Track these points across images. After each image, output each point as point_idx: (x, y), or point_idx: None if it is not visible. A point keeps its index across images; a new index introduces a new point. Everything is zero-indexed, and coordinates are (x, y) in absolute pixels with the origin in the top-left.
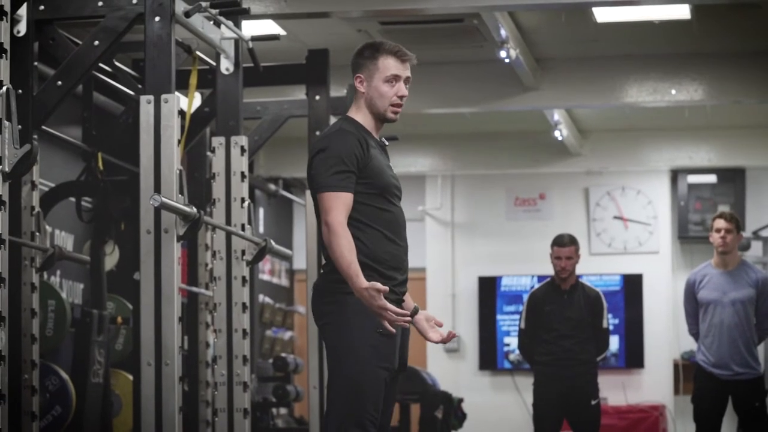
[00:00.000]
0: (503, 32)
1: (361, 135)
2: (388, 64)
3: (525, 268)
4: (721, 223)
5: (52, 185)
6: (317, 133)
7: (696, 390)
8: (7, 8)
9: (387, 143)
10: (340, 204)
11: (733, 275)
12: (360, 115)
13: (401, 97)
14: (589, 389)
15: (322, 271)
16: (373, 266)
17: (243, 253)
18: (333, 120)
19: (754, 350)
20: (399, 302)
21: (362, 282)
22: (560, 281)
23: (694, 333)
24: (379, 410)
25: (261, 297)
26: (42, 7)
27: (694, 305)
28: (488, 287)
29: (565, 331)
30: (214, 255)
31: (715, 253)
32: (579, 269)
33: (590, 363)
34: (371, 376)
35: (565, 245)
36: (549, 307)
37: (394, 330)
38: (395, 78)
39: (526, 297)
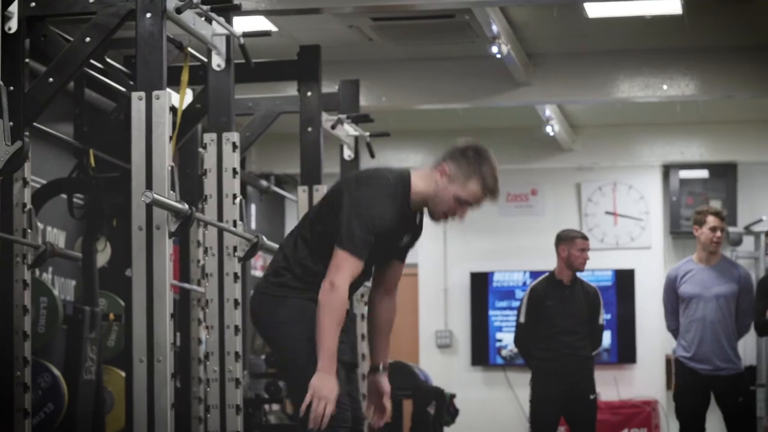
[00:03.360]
0: (495, 28)
1: (399, 208)
2: (474, 192)
3: (517, 263)
4: (716, 222)
5: (44, 182)
6: (309, 129)
7: (678, 387)
8: None
9: (421, 229)
10: (352, 270)
11: (716, 270)
12: (419, 186)
13: (452, 217)
14: (588, 384)
15: (268, 275)
16: (305, 286)
17: (235, 249)
18: (325, 116)
19: (735, 345)
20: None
21: (331, 368)
22: (563, 276)
23: (674, 329)
24: (345, 406)
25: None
26: (33, 4)
27: (674, 301)
28: (480, 283)
29: (567, 327)
30: (206, 251)
31: (700, 249)
32: None
33: (589, 358)
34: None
35: (587, 238)
36: (550, 302)
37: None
38: (467, 204)
39: (525, 291)
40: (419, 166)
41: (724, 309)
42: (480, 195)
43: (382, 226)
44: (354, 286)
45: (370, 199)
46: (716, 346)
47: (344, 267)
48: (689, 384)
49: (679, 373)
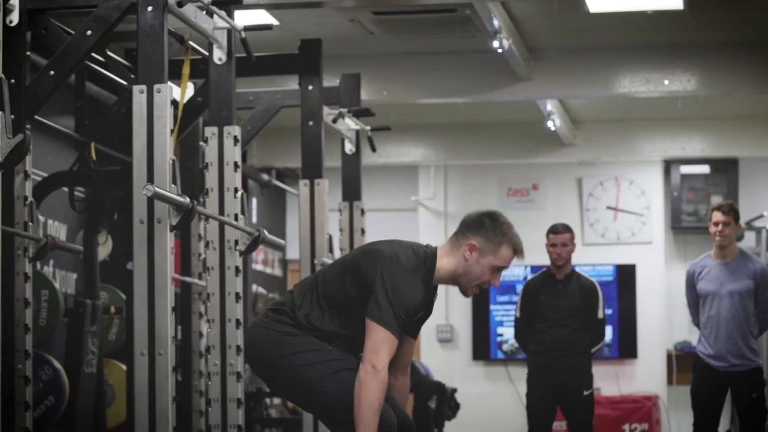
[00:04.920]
0: (496, 22)
1: (423, 290)
2: (507, 257)
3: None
4: (718, 216)
5: (45, 175)
6: (310, 123)
7: (694, 381)
8: None
9: (436, 295)
10: (390, 350)
11: (731, 267)
12: (446, 264)
13: (486, 286)
14: (581, 380)
15: (273, 322)
16: (303, 333)
17: (236, 242)
18: (326, 110)
19: (751, 342)
20: None
21: None
22: (555, 270)
23: (697, 323)
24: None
25: (254, 287)
26: None
27: (694, 295)
28: None
29: (559, 321)
30: (207, 245)
31: (714, 245)
32: (572, 260)
33: (583, 353)
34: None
35: (559, 232)
36: (543, 296)
37: None
38: (500, 270)
39: (521, 286)
40: (441, 244)
41: (738, 306)
42: (512, 257)
43: (414, 308)
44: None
45: (405, 280)
46: (730, 343)
47: (383, 348)
48: (706, 378)
49: (696, 367)
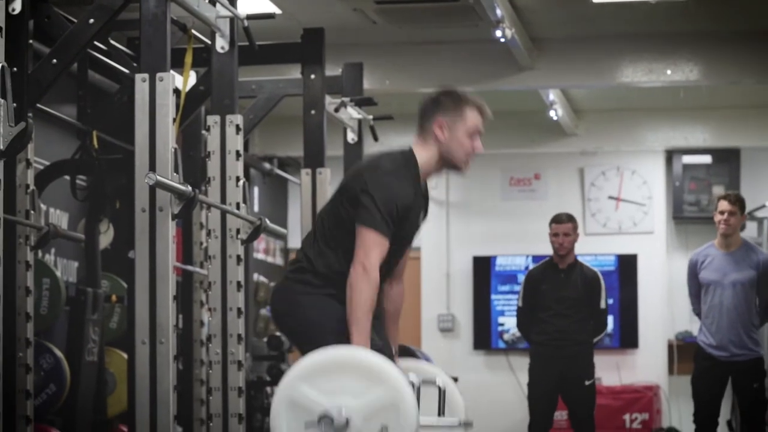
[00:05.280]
0: (499, 12)
1: (413, 186)
2: (475, 118)
3: (520, 247)
4: (724, 205)
5: (47, 163)
6: (312, 112)
7: (696, 371)
8: None
9: (429, 195)
10: (380, 251)
11: (735, 257)
12: (425, 155)
13: (476, 153)
14: (583, 370)
15: (290, 271)
16: (332, 283)
17: (238, 231)
18: (328, 99)
19: (753, 332)
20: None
21: (366, 342)
22: (558, 260)
23: (698, 313)
24: None
25: (256, 276)
26: None
27: (696, 285)
28: (483, 267)
29: (561, 311)
30: (208, 234)
31: (718, 234)
32: (574, 249)
33: (585, 343)
34: None
35: (562, 222)
36: (545, 285)
37: None
38: (478, 132)
39: (523, 276)
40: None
41: (741, 296)
42: (480, 117)
43: (404, 206)
44: (382, 273)
45: (388, 182)
46: (732, 333)
47: (372, 247)
48: (707, 368)
49: (698, 357)
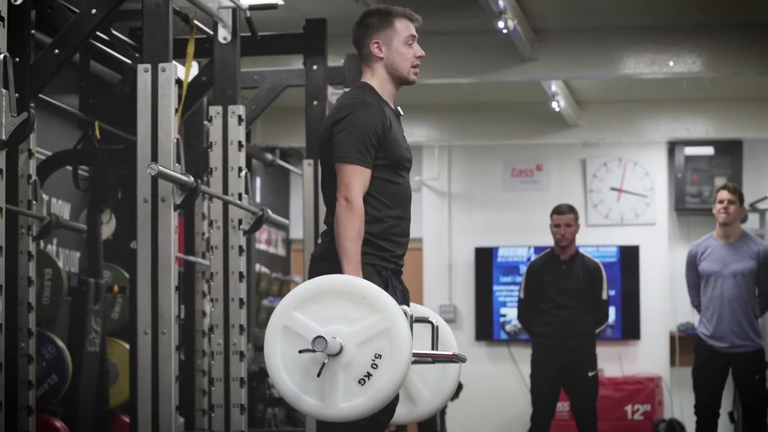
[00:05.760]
0: (501, 2)
1: (382, 108)
2: (406, 26)
3: (522, 239)
4: (724, 195)
5: (49, 153)
6: (315, 102)
7: (696, 362)
8: None
9: (402, 113)
10: (360, 180)
11: (735, 247)
12: (377, 81)
13: (419, 58)
14: (586, 361)
15: (321, 240)
16: (371, 239)
17: (240, 222)
18: (330, 90)
19: (754, 323)
20: (398, 273)
21: (357, 271)
22: (560, 251)
23: (696, 305)
24: None
25: (258, 266)
26: None
27: (695, 277)
28: (485, 258)
29: (563, 302)
30: (211, 224)
31: (717, 225)
32: (576, 240)
33: (588, 334)
34: None
35: (563, 213)
36: (548, 277)
37: None
38: (413, 38)
39: (525, 267)
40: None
41: (742, 286)
42: (410, 23)
43: (377, 128)
44: (402, 200)
45: (353, 112)
46: (734, 324)
47: (354, 180)
48: (708, 360)
49: (698, 349)
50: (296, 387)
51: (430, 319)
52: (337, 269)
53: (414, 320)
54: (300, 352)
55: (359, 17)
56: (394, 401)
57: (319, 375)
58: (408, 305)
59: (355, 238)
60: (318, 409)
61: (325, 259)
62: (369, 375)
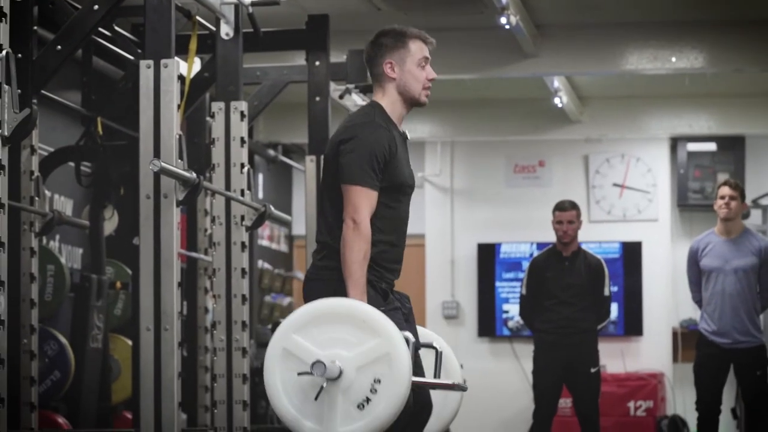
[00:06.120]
0: None
1: (390, 130)
2: (420, 48)
3: (524, 235)
4: (725, 190)
5: (52, 150)
6: (317, 98)
7: (697, 358)
8: None
9: (408, 136)
10: (368, 203)
11: (736, 243)
12: (387, 101)
13: (431, 80)
14: (588, 357)
15: (320, 265)
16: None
17: (242, 218)
18: (333, 86)
19: (756, 319)
20: (390, 290)
21: (362, 296)
22: (562, 247)
23: (698, 300)
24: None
25: (260, 263)
26: None
27: (696, 273)
28: (487, 254)
29: (565, 298)
30: (213, 220)
31: (719, 221)
32: (578, 237)
33: (590, 331)
34: None
35: (566, 209)
36: (550, 273)
37: None
38: (426, 60)
39: (527, 263)
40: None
41: (744, 282)
42: (424, 45)
43: (384, 150)
44: (399, 225)
45: (361, 133)
46: (736, 320)
47: (361, 203)
48: (710, 356)
49: (700, 345)
50: (295, 410)
51: (434, 344)
52: (330, 288)
53: (419, 346)
54: (299, 374)
55: (374, 36)
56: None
57: (316, 398)
58: (413, 325)
59: (362, 261)
60: None
61: (319, 279)
62: (368, 400)
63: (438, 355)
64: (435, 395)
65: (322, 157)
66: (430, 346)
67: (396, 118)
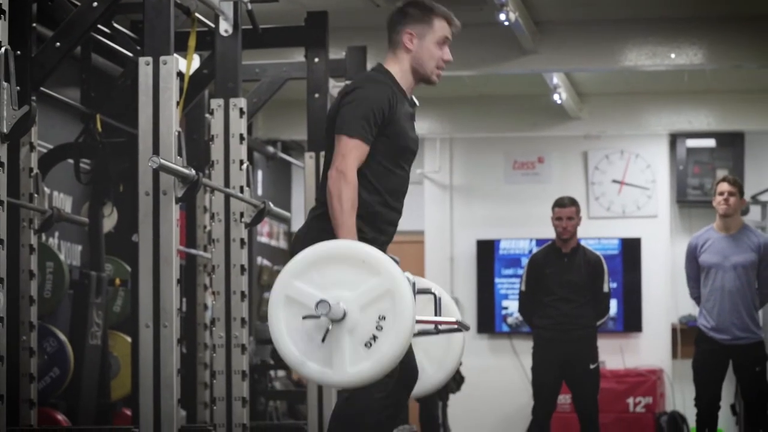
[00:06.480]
0: None
1: (394, 90)
2: (443, 27)
3: (523, 231)
4: (724, 186)
5: (51, 147)
6: (316, 95)
7: (696, 354)
8: None
9: (417, 104)
10: (357, 153)
11: (735, 239)
12: (398, 69)
13: (446, 62)
14: (587, 354)
15: (311, 216)
16: (360, 222)
17: (241, 215)
18: (332, 82)
19: (755, 315)
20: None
21: (352, 239)
22: (561, 244)
23: (696, 297)
24: None
25: (259, 259)
26: None
27: (695, 269)
28: (486, 250)
29: (565, 295)
30: (212, 217)
31: (718, 217)
32: (577, 233)
33: (589, 327)
34: None
35: (565, 206)
36: (549, 270)
37: None
38: (446, 41)
39: (526, 259)
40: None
41: (743, 278)
42: (448, 26)
43: (383, 106)
44: (398, 192)
45: (363, 88)
46: (735, 316)
47: (350, 153)
48: (709, 352)
49: (698, 341)
50: (300, 353)
51: (432, 290)
52: (317, 236)
53: (416, 291)
54: (304, 318)
55: (403, 2)
56: (412, 375)
57: (323, 340)
58: None
59: (350, 209)
60: (324, 375)
61: (309, 230)
62: (375, 338)
63: (437, 300)
64: (437, 345)
65: (321, 154)
66: (428, 291)
67: (405, 86)
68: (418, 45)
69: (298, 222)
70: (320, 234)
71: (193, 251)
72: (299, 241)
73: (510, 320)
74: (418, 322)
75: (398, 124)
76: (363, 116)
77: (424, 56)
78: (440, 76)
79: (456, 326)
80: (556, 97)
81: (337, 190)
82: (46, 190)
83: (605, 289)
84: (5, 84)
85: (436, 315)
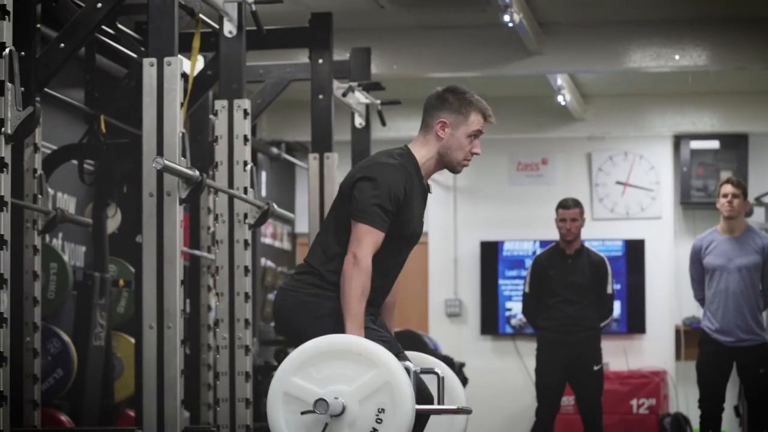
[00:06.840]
0: None
1: (411, 179)
2: (478, 121)
3: (527, 233)
4: (728, 188)
5: (55, 148)
6: (320, 96)
7: (700, 356)
8: None
9: (431, 191)
10: (372, 241)
11: (739, 241)
12: (424, 152)
13: (473, 154)
14: (591, 355)
15: (297, 280)
16: (333, 287)
17: (245, 216)
18: (336, 84)
19: (759, 317)
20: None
21: (359, 331)
22: (565, 245)
23: (700, 299)
24: None
25: (263, 260)
26: None
27: (699, 271)
28: (490, 252)
29: (569, 296)
30: (216, 218)
31: (722, 219)
32: (581, 235)
33: (593, 329)
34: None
35: (569, 207)
36: (553, 271)
37: None
38: (478, 134)
39: (530, 261)
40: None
41: (747, 280)
42: (483, 120)
43: (399, 192)
44: (391, 275)
45: (381, 170)
46: (739, 318)
47: (366, 239)
48: (712, 354)
49: (702, 343)
50: None
51: (435, 369)
52: (310, 308)
53: (420, 372)
54: (302, 413)
55: (444, 87)
56: None
57: None
58: (396, 346)
59: (360, 297)
60: None
61: (297, 290)
62: (375, 431)
63: (440, 380)
64: (441, 419)
65: (325, 155)
66: (431, 371)
67: (425, 171)
68: (450, 135)
69: (301, 223)
70: (305, 304)
71: (196, 252)
72: (288, 310)
73: (513, 322)
74: (418, 411)
75: (408, 214)
76: (381, 203)
77: (454, 146)
78: (466, 167)
79: (457, 412)
80: (560, 98)
81: (350, 276)
82: (50, 190)
83: (609, 290)
84: (9, 85)
85: (438, 397)
